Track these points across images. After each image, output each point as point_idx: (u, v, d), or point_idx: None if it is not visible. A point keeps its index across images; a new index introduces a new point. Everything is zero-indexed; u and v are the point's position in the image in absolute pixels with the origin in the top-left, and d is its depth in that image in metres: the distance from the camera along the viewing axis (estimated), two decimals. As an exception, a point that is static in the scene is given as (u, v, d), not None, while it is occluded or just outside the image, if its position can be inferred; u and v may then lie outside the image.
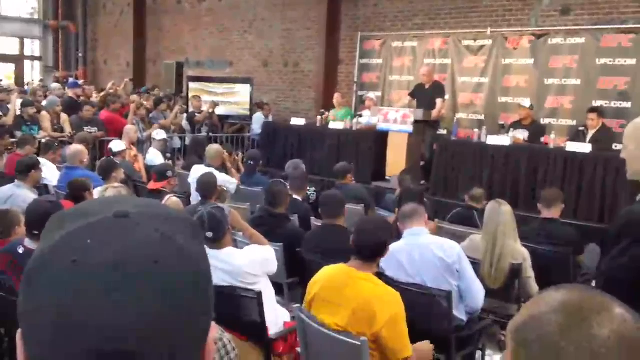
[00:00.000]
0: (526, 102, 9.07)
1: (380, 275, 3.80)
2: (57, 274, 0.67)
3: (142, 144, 9.85)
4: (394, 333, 3.02)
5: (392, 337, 3.02)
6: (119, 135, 8.85)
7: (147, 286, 0.66)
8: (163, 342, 0.66)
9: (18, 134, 8.62)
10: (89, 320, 0.64)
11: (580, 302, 0.97)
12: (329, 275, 3.28)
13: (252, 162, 7.73)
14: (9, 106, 9.57)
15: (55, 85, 14.10)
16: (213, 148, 7.70)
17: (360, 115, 10.42)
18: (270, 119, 12.68)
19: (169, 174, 5.91)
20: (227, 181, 6.99)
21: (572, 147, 7.66)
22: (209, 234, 3.64)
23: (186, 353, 0.69)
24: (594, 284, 4.07)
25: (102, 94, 12.19)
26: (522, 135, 8.49)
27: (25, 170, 5.84)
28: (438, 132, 9.77)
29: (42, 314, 0.66)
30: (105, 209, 0.72)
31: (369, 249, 3.21)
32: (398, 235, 4.13)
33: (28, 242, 3.61)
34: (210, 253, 3.29)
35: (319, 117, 10.83)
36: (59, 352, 0.65)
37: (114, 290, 0.65)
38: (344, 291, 3.14)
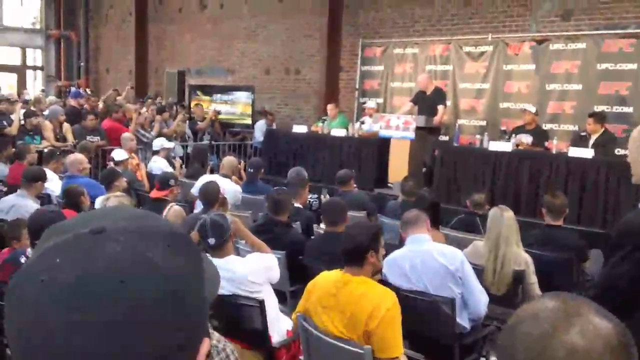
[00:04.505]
0: (531, 107, 9.08)
1: (383, 282, 3.79)
2: (27, 294, 0.67)
3: (148, 148, 9.89)
4: (386, 330, 3.02)
5: (384, 334, 3.01)
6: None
7: (110, 306, 0.65)
8: None
9: (20, 144, 8.63)
10: (46, 343, 0.64)
11: (560, 310, 1.00)
12: (326, 282, 3.29)
13: (251, 170, 7.73)
14: (12, 117, 9.58)
15: (52, 98, 14.14)
16: (228, 160, 7.73)
17: (362, 122, 10.42)
18: (274, 127, 12.69)
19: (172, 182, 5.90)
20: (238, 191, 6.99)
21: (575, 152, 7.65)
22: (211, 240, 3.65)
23: None
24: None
25: (102, 105, 12.19)
26: (526, 139, 8.52)
27: (32, 179, 5.85)
28: (440, 139, 9.77)
29: (13, 332, 0.67)
30: (84, 225, 0.72)
31: (353, 252, 3.23)
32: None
33: (30, 252, 3.62)
34: (212, 261, 3.29)
35: (320, 124, 10.83)
36: None
37: (75, 311, 0.64)
38: (340, 297, 3.15)
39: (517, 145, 8.43)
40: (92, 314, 0.64)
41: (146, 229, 0.74)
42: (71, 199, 5.29)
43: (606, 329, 0.96)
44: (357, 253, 3.23)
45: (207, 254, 3.63)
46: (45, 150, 8.25)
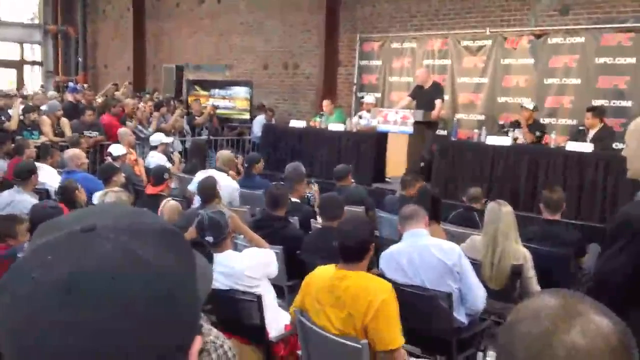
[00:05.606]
0: (529, 104, 9.06)
1: (380, 277, 3.79)
2: (18, 291, 0.67)
3: (146, 143, 9.87)
4: (383, 321, 3.01)
5: (382, 325, 3.00)
6: (120, 139, 8.85)
7: (102, 305, 0.64)
8: None
9: (19, 139, 8.61)
10: (39, 342, 0.64)
11: (561, 308, 0.99)
12: (322, 277, 3.28)
13: (247, 165, 7.70)
14: (10, 112, 9.55)
15: (52, 93, 14.11)
16: (223, 153, 7.67)
17: (360, 117, 10.41)
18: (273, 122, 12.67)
19: (166, 176, 5.90)
20: (235, 186, 6.96)
21: (573, 146, 7.64)
22: (210, 238, 3.64)
23: None
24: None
25: (101, 99, 12.17)
26: (520, 134, 8.54)
27: (26, 175, 5.85)
28: (438, 133, 9.77)
29: (5, 331, 0.67)
30: (76, 222, 0.72)
31: (355, 249, 3.21)
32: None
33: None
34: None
35: (317, 119, 10.81)
36: None
37: (67, 309, 0.64)
38: (337, 293, 3.14)
39: (515, 140, 8.43)
40: (85, 312, 0.64)
41: (137, 226, 0.73)
42: (65, 195, 5.33)
43: (607, 328, 0.95)
44: (360, 248, 3.22)
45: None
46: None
